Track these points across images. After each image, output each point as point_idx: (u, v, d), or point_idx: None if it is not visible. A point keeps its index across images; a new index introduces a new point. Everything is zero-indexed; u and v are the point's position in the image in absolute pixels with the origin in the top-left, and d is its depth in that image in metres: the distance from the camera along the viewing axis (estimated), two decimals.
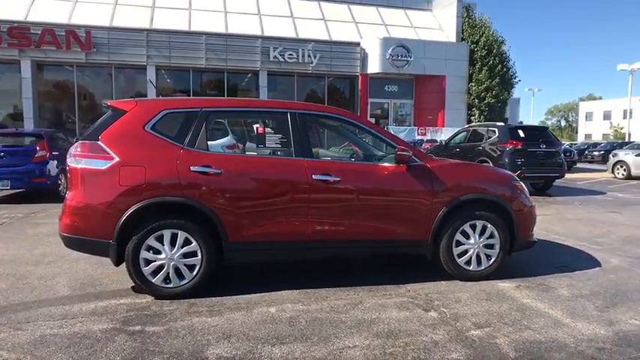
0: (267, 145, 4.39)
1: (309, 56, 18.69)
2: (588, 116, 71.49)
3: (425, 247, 4.51)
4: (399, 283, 4.46)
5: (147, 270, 3.93)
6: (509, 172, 4.98)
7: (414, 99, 20.93)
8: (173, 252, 3.95)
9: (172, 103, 4.34)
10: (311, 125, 4.45)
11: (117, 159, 3.86)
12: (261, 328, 3.40)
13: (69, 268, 4.90)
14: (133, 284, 4.20)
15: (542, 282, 4.57)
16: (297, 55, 18.62)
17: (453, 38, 20.93)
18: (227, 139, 9.83)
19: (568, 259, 5.44)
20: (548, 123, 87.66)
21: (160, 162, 3.96)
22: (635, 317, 3.70)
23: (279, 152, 4.33)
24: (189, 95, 17.81)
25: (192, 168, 3.96)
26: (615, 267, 5.16)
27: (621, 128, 57.28)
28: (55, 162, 9.95)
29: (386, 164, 4.42)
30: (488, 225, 4.60)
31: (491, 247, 4.62)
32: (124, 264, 3.95)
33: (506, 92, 20.51)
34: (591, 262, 5.32)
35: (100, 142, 3.91)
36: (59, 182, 10.12)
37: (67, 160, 4.06)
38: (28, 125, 16.22)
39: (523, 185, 4.90)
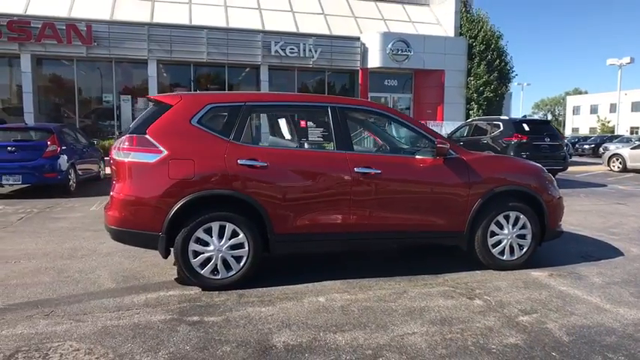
0: (309, 139, 4.46)
1: (310, 51, 18.70)
2: (575, 110, 72.45)
3: (460, 237, 4.62)
4: (436, 273, 4.57)
5: (195, 262, 3.99)
6: (538, 164, 5.09)
7: (413, 93, 21.05)
8: (221, 244, 4.01)
9: (217, 97, 4.38)
10: (349, 118, 4.51)
11: (165, 152, 3.90)
12: (316, 317, 3.48)
13: (105, 261, 4.94)
14: (176, 276, 4.28)
15: (573, 270, 4.71)
16: (299, 50, 18.61)
17: (451, 33, 21.06)
18: None
19: (591, 249, 5.59)
20: (535, 117, 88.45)
21: (208, 155, 4.01)
22: None
23: (321, 146, 4.41)
24: (189, 89, 17.76)
25: (239, 161, 4.02)
26: (638, 256, 5.32)
27: (608, 122, 58.14)
28: (66, 157, 9.91)
29: (423, 157, 4.51)
30: (521, 216, 4.72)
31: (523, 237, 4.75)
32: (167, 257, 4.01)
33: (504, 86, 20.70)
34: (614, 252, 5.48)
35: (147, 136, 3.95)
36: (69, 177, 10.08)
37: (112, 153, 4.10)
38: (28, 120, 16.04)
39: (552, 177, 5.03)
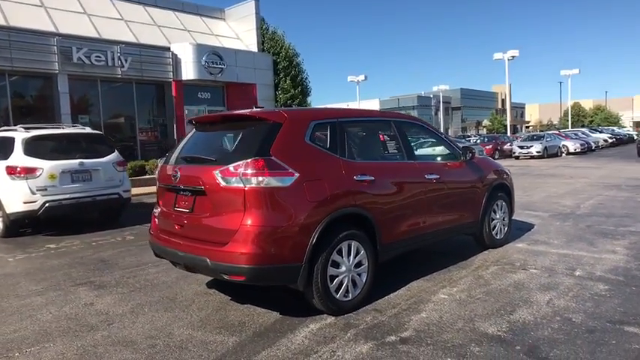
0: (390, 152, 4.61)
1: (119, 59, 16.78)
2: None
3: (476, 226, 5.55)
4: (465, 258, 5.35)
5: (332, 287, 3.78)
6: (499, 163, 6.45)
7: (226, 106, 21.14)
8: (350, 263, 3.90)
9: (315, 113, 4.19)
10: (407, 132, 4.90)
11: (297, 174, 3.58)
12: (473, 308, 3.84)
13: (181, 315, 4.00)
14: (288, 308, 3.91)
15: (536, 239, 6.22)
16: (106, 58, 16.49)
17: (253, 48, 22.00)
18: (115, 155, 8.65)
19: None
20: None
21: (332, 174, 3.85)
22: None
23: (396, 157, 4.65)
24: None
25: (355, 177, 3.99)
26: None
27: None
28: None
29: (455, 161, 5.26)
30: (504, 203, 5.97)
31: (504, 218, 5.99)
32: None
33: (306, 99, 22.89)
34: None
35: (274, 158, 3.54)
36: None
37: (228, 181, 3.49)
38: None
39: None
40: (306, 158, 3.73)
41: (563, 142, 29.18)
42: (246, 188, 3.44)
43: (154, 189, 14.74)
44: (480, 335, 3.35)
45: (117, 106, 18.02)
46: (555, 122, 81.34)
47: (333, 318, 3.78)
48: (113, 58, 16.69)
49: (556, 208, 8.65)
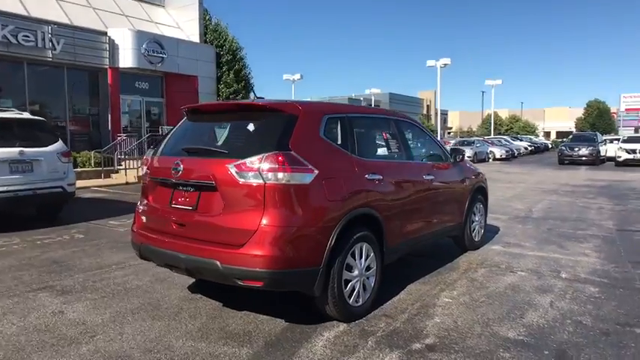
0: (392, 150, 4.44)
1: (50, 41, 15.31)
2: None
3: (460, 228, 5.56)
4: (447, 262, 5.34)
5: (347, 292, 3.56)
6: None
7: (165, 98, 20.04)
8: (362, 266, 3.70)
9: (327, 107, 3.91)
10: (405, 131, 4.78)
11: (316, 171, 3.32)
12: (482, 312, 3.79)
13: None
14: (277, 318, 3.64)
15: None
16: (35, 39, 14.95)
17: (194, 39, 21.04)
18: (59, 145, 7.86)
19: None
20: None
21: (347, 172, 3.63)
22: None
23: (396, 156, 4.50)
24: None
25: (366, 176, 3.80)
26: None
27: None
28: None
29: (444, 163, 5.23)
30: (481, 205, 6.07)
31: (481, 221, 6.08)
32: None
33: (249, 95, 22.24)
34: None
35: (293, 153, 3.26)
36: None
37: (245, 176, 3.16)
38: None
39: None
40: (322, 154, 3.48)
41: (490, 149, 30.92)
42: (266, 185, 3.12)
43: (87, 183, 13.70)
44: (503, 340, 3.30)
45: (45, 91, 16.43)
46: (474, 129, 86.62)
47: (346, 325, 3.56)
48: (44, 39, 15.21)
49: (511, 211, 9.01)
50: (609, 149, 26.89)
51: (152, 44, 17.98)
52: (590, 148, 24.95)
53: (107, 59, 17.31)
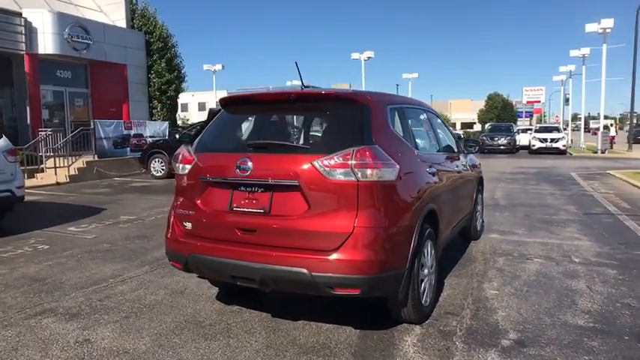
0: (431, 142, 4.30)
1: None
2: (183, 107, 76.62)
3: (469, 218, 5.62)
4: (459, 252, 5.37)
5: (422, 292, 3.40)
6: None
7: (90, 88, 18.28)
8: (429, 264, 3.57)
9: (385, 96, 3.65)
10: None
11: (398, 166, 3.11)
12: (536, 301, 3.83)
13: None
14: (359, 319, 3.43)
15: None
16: None
17: (121, 24, 19.40)
18: (3, 142, 6.94)
19: None
20: None
21: (416, 166, 3.47)
22: None
23: (438, 148, 4.40)
24: None
25: (428, 170, 3.65)
26: None
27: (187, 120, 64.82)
28: None
29: (459, 154, 5.23)
30: (481, 196, 6.20)
31: (481, 210, 6.22)
32: None
33: (181, 86, 21.05)
34: None
35: (378, 147, 3.01)
36: None
37: (333, 174, 2.86)
38: None
39: None
40: (396, 148, 3.27)
41: None
42: (359, 183, 2.85)
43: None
44: (580, 329, 3.34)
45: None
46: None
47: (419, 327, 3.41)
48: None
49: None
50: (522, 138, 29.36)
51: (76, 29, 16.30)
52: (508, 137, 26.97)
53: (23, 44, 15.39)
